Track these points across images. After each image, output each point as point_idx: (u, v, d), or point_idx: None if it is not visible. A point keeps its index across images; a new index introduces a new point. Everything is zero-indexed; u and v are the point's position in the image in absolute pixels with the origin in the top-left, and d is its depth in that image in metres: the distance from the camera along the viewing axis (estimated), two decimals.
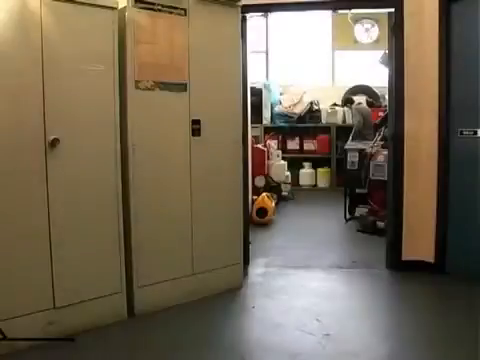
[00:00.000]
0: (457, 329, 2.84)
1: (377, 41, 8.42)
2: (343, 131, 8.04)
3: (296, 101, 8.46)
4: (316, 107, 8.49)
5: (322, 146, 8.38)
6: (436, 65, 3.64)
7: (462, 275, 3.56)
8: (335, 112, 8.41)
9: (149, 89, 3.01)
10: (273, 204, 5.88)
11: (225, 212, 3.43)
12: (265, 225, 5.53)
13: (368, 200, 5.31)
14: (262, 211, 5.62)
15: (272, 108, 8.54)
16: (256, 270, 3.97)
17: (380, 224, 5.00)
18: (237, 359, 2.58)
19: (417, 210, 3.79)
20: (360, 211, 5.57)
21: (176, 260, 3.21)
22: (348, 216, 5.77)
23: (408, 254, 3.85)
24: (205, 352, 2.65)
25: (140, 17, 2.94)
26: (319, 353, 2.62)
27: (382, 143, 5.37)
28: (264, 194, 5.89)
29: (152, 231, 3.08)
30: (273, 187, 6.78)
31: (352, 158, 5.40)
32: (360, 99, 7.98)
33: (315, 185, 8.39)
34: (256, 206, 5.64)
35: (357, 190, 5.54)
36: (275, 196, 6.46)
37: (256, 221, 5.49)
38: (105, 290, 2.90)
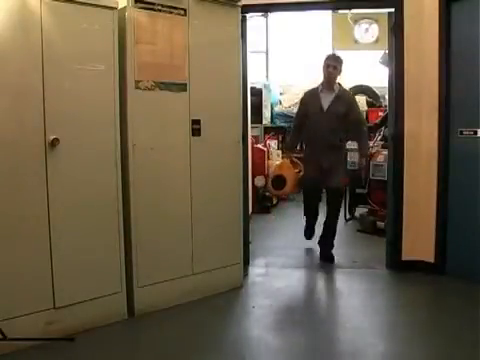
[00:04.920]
0: (457, 329, 2.84)
1: (377, 41, 8.42)
2: None
3: (296, 101, 8.45)
4: None
5: None
6: (436, 65, 3.64)
7: (462, 275, 3.56)
8: None
9: (149, 89, 3.01)
10: (296, 172, 4.51)
11: (225, 212, 3.43)
12: (265, 225, 5.51)
13: (368, 200, 5.31)
14: (280, 180, 4.42)
15: (272, 108, 8.54)
16: (256, 270, 3.97)
17: (380, 224, 4.99)
18: (237, 359, 2.58)
19: (417, 210, 3.79)
20: (360, 211, 5.57)
21: (176, 260, 3.21)
22: (348, 216, 5.77)
23: (408, 254, 3.85)
24: (205, 352, 2.65)
25: (140, 17, 2.94)
26: (319, 353, 2.62)
27: (382, 143, 5.37)
28: (285, 159, 4.69)
29: (152, 231, 3.09)
30: None
31: (352, 158, 5.40)
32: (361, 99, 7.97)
33: None
34: (273, 174, 4.53)
35: (357, 190, 5.54)
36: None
37: (272, 193, 4.92)
38: (105, 290, 2.90)
